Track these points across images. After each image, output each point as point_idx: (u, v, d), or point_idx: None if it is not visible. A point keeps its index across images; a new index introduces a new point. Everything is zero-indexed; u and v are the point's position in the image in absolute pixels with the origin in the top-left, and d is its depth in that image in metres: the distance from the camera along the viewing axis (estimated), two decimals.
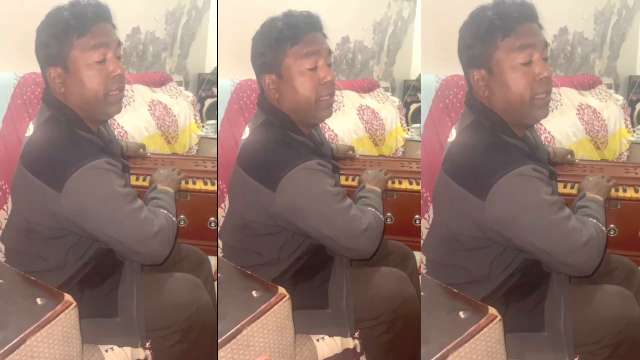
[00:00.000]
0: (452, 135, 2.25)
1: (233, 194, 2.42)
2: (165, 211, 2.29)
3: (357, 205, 2.34)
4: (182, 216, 2.55)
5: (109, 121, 2.38)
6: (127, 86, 2.63)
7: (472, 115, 2.22)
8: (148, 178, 2.62)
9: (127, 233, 2.16)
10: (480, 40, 2.15)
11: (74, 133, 2.22)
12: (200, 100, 2.92)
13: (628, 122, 3.03)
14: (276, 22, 2.31)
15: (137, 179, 2.62)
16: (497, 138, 2.17)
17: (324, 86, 2.32)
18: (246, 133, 2.39)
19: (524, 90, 2.14)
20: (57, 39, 2.19)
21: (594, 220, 2.19)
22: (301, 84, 2.30)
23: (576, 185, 2.64)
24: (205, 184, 2.59)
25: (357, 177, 2.76)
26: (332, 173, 2.31)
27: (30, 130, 2.27)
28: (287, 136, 2.32)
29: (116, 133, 2.75)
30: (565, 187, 2.64)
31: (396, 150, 3.03)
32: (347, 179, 2.75)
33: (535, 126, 2.32)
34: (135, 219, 2.17)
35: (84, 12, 2.20)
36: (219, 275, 2.35)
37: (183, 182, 2.52)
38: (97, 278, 2.29)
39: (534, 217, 2.09)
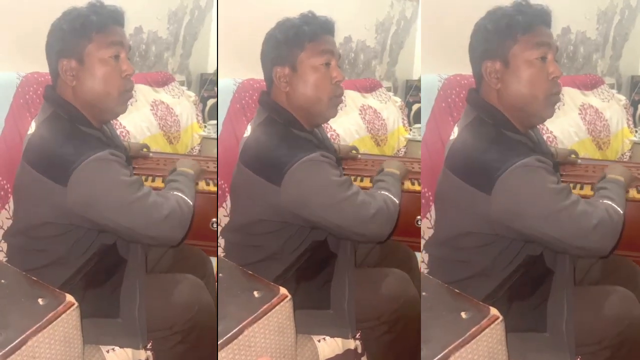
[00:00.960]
0: (454, 133, 2.25)
1: (236, 192, 2.42)
2: (180, 193, 2.30)
3: (365, 191, 2.36)
4: None
5: (111, 121, 2.39)
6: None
7: (474, 113, 2.23)
8: (150, 178, 2.63)
9: (136, 220, 2.18)
10: (499, 33, 2.17)
11: (77, 129, 2.22)
12: (203, 100, 2.92)
13: (630, 122, 3.03)
14: (294, 21, 2.35)
15: None
16: (499, 133, 2.18)
17: (334, 85, 2.35)
18: (248, 131, 2.39)
19: (537, 86, 2.17)
20: (75, 32, 2.22)
21: (609, 202, 2.20)
22: (314, 79, 2.33)
23: (578, 186, 2.64)
24: (208, 184, 2.60)
25: (358, 177, 2.76)
26: (336, 164, 2.33)
27: (32, 128, 2.27)
28: (290, 132, 2.33)
29: (118, 133, 2.75)
30: None
31: (398, 151, 3.03)
32: None
33: (537, 126, 2.33)
34: (144, 205, 2.18)
35: (103, 11, 2.25)
36: (220, 275, 2.35)
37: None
38: (99, 278, 2.30)
39: (542, 206, 2.09)
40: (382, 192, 2.42)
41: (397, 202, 2.42)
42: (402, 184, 2.56)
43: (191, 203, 2.31)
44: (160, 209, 2.20)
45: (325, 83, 2.33)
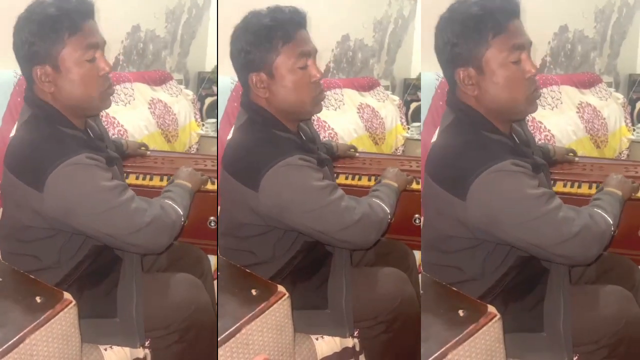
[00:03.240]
0: (435, 135, 2.23)
1: (222, 195, 2.39)
2: (170, 201, 2.26)
3: (350, 197, 2.29)
4: None
5: (102, 118, 2.37)
6: (127, 84, 2.61)
7: (452, 114, 2.18)
8: (147, 177, 2.63)
9: (116, 226, 2.13)
10: (468, 38, 2.09)
11: (56, 130, 2.16)
12: (201, 99, 2.92)
13: (628, 121, 3.03)
14: (262, 19, 2.25)
15: (137, 178, 2.62)
16: (477, 135, 2.13)
17: (315, 84, 2.28)
18: (231, 133, 2.35)
19: (516, 88, 2.10)
20: (45, 37, 2.13)
21: (598, 210, 2.17)
22: (294, 83, 2.26)
23: (576, 184, 2.64)
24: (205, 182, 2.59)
25: (356, 176, 2.76)
26: (317, 167, 2.26)
27: (13, 130, 2.23)
28: (270, 134, 2.27)
29: (116, 131, 2.76)
30: (565, 185, 2.64)
31: (396, 149, 3.03)
32: (347, 178, 2.75)
33: (529, 122, 2.31)
34: (125, 211, 2.13)
35: (72, 8, 2.14)
36: (218, 273, 2.35)
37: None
38: (96, 277, 2.28)
39: (518, 212, 2.05)
40: (373, 199, 2.37)
41: (387, 210, 2.36)
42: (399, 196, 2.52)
43: (181, 211, 2.26)
44: (142, 216, 2.14)
45: (306, 84, 2.26)
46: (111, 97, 2.23)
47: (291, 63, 2.25)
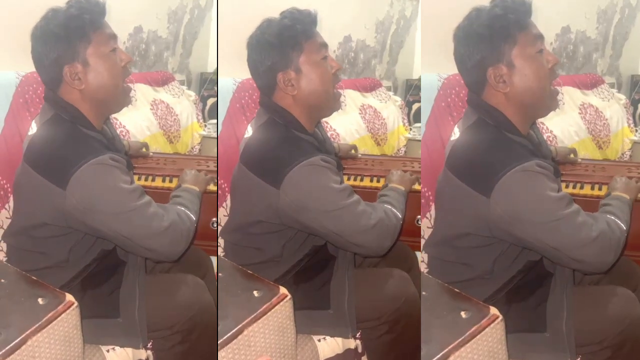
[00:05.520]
0: (455, 133, 2.25)
1: (236, 192, 2.42)
2: (183, 208, 2.29)
3: (367, 202, 2.33)
4: None
5: (111, 120, 2.39)
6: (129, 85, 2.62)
7: (476, 114, 2.21)
8: (150, 177, 2.63)
9: (135, 229, 2.15)
10: (496, 37, 2.15)
11: (78, 131, 2.21)
12: (203, 100, 2.92)
13: (630, 122, 3.03)
14: (283, 21, 2.31)
15: (139, 179, 2.62)
16: (501, 136, 2.17)
17: (334, 75, 2.35)
18: (249, 132, 2.38)
19: (544, 77, 2.17)
20: (71, 36, 2.18)
21: (612, 217, 2.18)
22: (319, 74, 2.32)
23: (578, 185, 2.64)
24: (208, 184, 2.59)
25: (358, 177, 2.76)
26: (336, 170, 2.31)
27: (33, 128, 2.26)
28: (291, 134, 2.32)
29: (118, 132, 2.76)
30: (567, 186, 2.64)
31: (398, 150, 3.04)
32: (349, 179, 2.75)
33: (537, 125, 2.33)
34: (143, 214, 2.16)
35: (91, 7, 2.22)
36: (220, 275, 2.35)
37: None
38: (99, 278, 2.29)
39: (540, 212, 2.08)
40: (385, 205, 2.40)
41: (399, 215, 2.40)
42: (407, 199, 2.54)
43: (194, 218, 2.29)
44: (160, 220, 2.17)
45: (328, 75, 2.33)
46: (130, 94, 2.30)
47: (314, 56, 2.31)
